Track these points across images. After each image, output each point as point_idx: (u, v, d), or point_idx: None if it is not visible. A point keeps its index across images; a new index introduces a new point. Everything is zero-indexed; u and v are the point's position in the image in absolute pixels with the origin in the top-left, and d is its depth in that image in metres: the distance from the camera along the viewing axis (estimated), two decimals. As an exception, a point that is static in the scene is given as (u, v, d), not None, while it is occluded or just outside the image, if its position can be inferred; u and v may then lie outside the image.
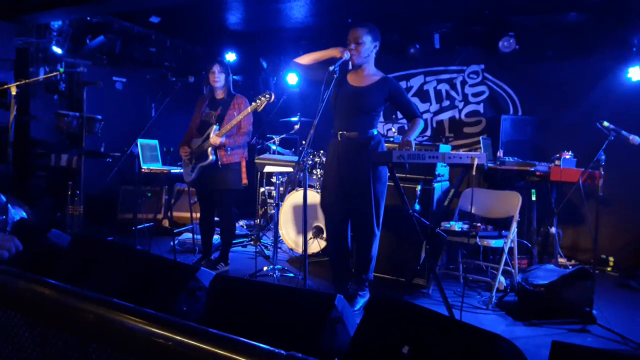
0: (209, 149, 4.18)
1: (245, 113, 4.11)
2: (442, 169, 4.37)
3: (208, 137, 4.19)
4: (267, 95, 4.05)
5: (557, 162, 4.43)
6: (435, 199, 4.23)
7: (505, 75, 5.98)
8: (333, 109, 3.62)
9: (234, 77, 4.51)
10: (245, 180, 4.38)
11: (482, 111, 6.14)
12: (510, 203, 3.97)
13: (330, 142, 3.68)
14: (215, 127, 4.18)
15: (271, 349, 0.84)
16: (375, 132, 3.56)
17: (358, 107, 3.51)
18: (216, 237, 4.71)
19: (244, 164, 4.37)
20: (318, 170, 5.15)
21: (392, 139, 4.54)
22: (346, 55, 3.43)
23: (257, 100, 4.05)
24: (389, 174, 3.58)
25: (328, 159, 3.69)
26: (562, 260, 4.71)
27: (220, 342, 0.86)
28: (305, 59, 3.62)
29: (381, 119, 3.70)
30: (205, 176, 4.28)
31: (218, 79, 4.28)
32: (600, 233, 3.50)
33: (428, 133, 6.48)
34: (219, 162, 4.23)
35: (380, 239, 3.64)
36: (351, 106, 3.53)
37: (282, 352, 0.83)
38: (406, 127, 3.72)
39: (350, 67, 3.59)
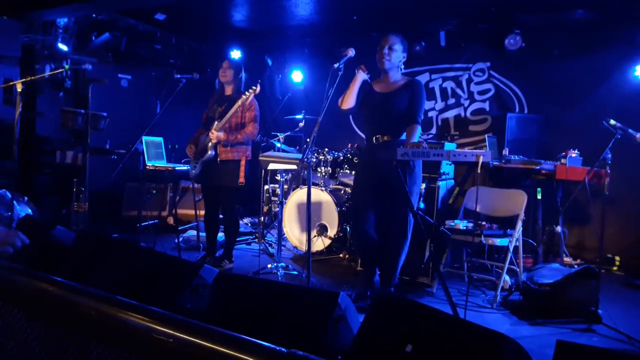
0: (209, 144, 4.20)
1: (235, 107, 4.11)
2: (447, 167, 4.36)
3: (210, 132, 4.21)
4: (253, 88, 4.10)
5: (563, 161, 4.40)
6: (440, 197, 4.21)
7: (511, 73, 5.95)
8: (363, 115, 3.71)
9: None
10: (241, 179, 4.29)
11: (487, 109, 6.11)
12: (515, 201, 3.95)
13: (364, 146, 3.77)
14: (216, 122, 4.19)
15: (272, 346, 0.83)
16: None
17: (388, 113, 3.56)
18: (221, 235, 4.72)
19: (243, 162, 4.30)
20: (322, 167, 5.14)
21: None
22: (351, 53, 3.46)
23: (245, 94, 4.08)
24: (422, 174, 3.66)
25: (361, 162, 3.84)
26: (567, 259, 4.68)
27: (221, 339, 0.86)
28: (348, 102, 3.62)
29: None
30: (206, 172, 4.29)
31: (224, 74, 4.30)
32: (606, 232, 3.48)
33: (433, 131, 6.46)
34: (218, 158, 4.23)
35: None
36: (382, 112, 3.59)
37: (283, 349, 0.82)
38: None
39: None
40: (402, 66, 3.66)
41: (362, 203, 3.68)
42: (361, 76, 3.62)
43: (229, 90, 4.37)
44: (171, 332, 0.90)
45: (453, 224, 3.88)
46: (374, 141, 3.62)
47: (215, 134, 4.13)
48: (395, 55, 3.58)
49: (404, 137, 3.56)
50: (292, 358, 0.80)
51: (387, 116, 3.58)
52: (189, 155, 4.42)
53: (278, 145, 5.89)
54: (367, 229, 3.64)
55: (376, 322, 1.59)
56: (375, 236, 3.66)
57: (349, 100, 3.61)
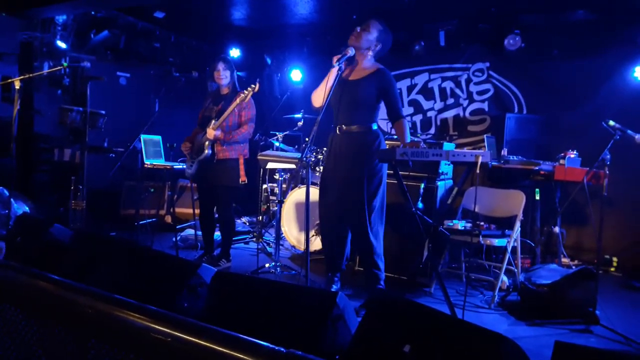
0: (206, 142, 4.19)
1: (234, 105, 4.10)
2: (445, 167, 4.35)
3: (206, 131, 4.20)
4: (252, 86, 4.06)
5: (561, 161, 4.40)
6: (439, 197, 4.21)
7: (510, 73, 5.94)
8: (333, 104, 3.59)
9: (238, 73, 4.48)
10: (243, 178, 4.31)
11: (486, 109, 6.11)
12: (514, 202, 3.95)
13: (330, 136, 3.66)
14: (213, 121, 4.18)
15: (271, 346, 0.83)
16: (375, 127, 3.55)
17: (355, 101, 3.51)
18: (218, 234, 4.71)
19: (242, 161, 4.30)
20: (321, 167, 5.13)
21: (395, 136, 4.52)
22: (350, 52, 3.43)
23: (244, 92, 4.07)
24: (388, 170, 3.59)
25: (328, 153, 3.69)
26: (565, 260, 4.69)
27: (220, 339, 0.85)
28: (319, 100, 3.51)
29: (384, 115, 3.69)
30: (202, 171, 4.28)
31: (223, 76, 4.29)
32: (604, 233, 3.48)
33: (432, 131, 6.46)
34: (215, 157, 4.22)
35: (383, 237, 3.62)
36: (349, 100, 3.52)
37: (282, 349, 0.82)
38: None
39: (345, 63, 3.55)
40: (372, 53, 3.56)
41: (328, 199, 3.63)
42: (336, 71, 3.45)
43: (226, 90, 4.37)
44: (170, 331, 0.90)
45: (451, 224, 3.88)
46: (338, 131, 3.55)
47: (212, 133, 4.13)
48: (367, 37, 3.50)
49: (370, 128, 3.51)
50: (291, 358, 0.80)
51: (355, 105, 3.51)
52: (184, 152, 4.42)
53: (277, 144, 5.88)
54: (333, 229, 3.62)
55: (374, 322, 1.59)
56: (340, 236, 3.64)
57: (322, 99, 3.39)
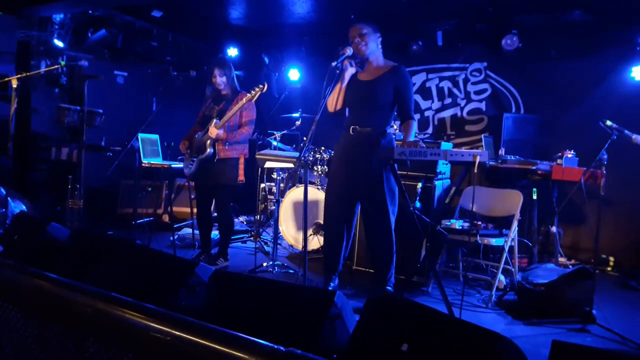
0: (208, 141, 4.19)
1: (240, 104, 4.10)
2: (443, 167, 4.36)
3: (208, 130, 4.19)
4: (260, 86, 4.05)
5: (559, 161, 4.42)
6: (436, 196, 4.22)
7: (508, 73, 5.95)
8: (347, 106, 3.60)
9: (236, 72, 4.48)
10: (241, 177, 4.33)
11: (484, 109, 6.12)
12: (511, 202, 3.96)
13: (340, 136, 3.65)
14: (215, 120, 4.18)
15: (270, 345, 0.83)
16: (389, 130, 3.56)
17: (371, 101, 3.49)
18: (216, 233, 4.71)
19: (242, 160, 4.31)
20: (319, 166, 5.13)
21: (393, 136, 4.52)
22: (349, 51, 3.43)
23: (252, 92, 4.06)
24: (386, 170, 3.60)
25: (337, 153, 3.67)
26: (562, 259, 4.70)
27: (221, 338, 0.85)
28: (336, 104, 3.57)
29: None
30: (203, 169, 4.28)
31: (220, 82, 4.29)
32: (601, 233, 3.49)
33: (430, 131, 6.47)
34: (217, 156, 4.22)
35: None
36: (364, 101, 3.51)
37: (282, 348, 0.82)
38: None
39: (356, 67, 3.58)
40: (380, 48, 3.58)
41: (334, 199, 3.63)
42: (349, 73, 3.51)
43: (225, 90, 4.37)
44: (168, 330, 0.89)
45: (449, 223, 3.88)
46: (351, 132, 3.53)
47: (215, 131, 4.13)
48: (370, 39, 3.50)
49: (385, 130, 3.51)
50: (291, 357, 0.80)
51: (370, 105, 3.49)
52: (182, 151, 4.41)
53: (274, 143, 5.88)
54: (336, 229, 3.62)
55: (372, 321, 1.59)
56: (343, 237, 3.64)
57: (338, 103, 3.53)
